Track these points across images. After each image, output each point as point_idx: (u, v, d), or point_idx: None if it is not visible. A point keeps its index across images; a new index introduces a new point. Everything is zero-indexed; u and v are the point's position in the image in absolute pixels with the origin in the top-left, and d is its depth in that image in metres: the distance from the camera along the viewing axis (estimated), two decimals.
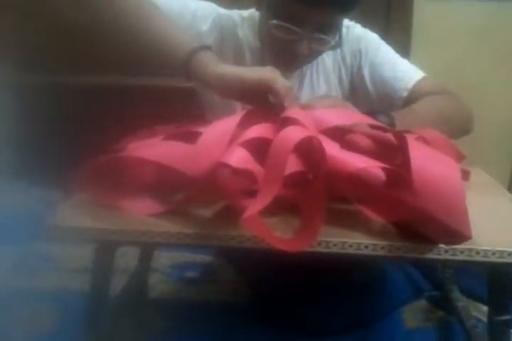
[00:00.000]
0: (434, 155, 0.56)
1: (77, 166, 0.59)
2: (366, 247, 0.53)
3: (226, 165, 0.52)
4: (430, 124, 0.76)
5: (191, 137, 0.60)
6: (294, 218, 0.56)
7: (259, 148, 0.58)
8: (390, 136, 0.65)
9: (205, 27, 0.88)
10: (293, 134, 0.51)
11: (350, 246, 0.53)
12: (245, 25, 0.91)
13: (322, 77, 0.95)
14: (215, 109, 0.97)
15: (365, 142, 0.65)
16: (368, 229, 0.56)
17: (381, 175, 0.55)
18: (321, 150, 0.52)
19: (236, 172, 0.53)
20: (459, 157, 0.75)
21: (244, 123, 0.60)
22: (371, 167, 0.54)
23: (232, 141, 0.57)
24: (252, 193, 0.54)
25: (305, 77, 0.95)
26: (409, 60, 0.97)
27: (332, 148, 0.54)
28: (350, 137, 0.65)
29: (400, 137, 0.60)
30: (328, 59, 0.95)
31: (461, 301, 1.06)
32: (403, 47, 1.54)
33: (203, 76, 0.68)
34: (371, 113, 0.70)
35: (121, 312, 0.89)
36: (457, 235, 0.51)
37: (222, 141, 0.56)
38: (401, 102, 0.92)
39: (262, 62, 0.91)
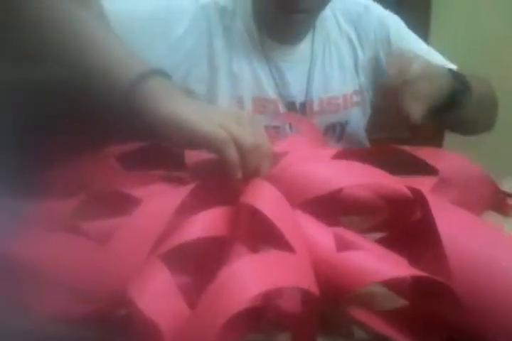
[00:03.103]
0: (481, 233, 0.37)
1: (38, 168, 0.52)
2: None
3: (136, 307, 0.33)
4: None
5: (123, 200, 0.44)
6: None
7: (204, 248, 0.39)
8: (401, 187, 0.45)
9: (180, 30, 0.71)
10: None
11: None
12: (237, 10, 0.75)
13: (336, 63, 0.82)
14: None
15: (364, 195, 0.46)
16: None
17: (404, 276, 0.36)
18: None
19: None
20: (499, 196, 0.55)
21: (192, 202, 0.41)
22: (397, 276, 0.35)
23: (166, 234, 0.38)
24: None
25: (316, 62, 0.80)
26: (428, 41, 0.88)
27: (328, 248, 0.37)
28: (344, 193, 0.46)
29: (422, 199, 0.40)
30: (343, 43, 0.81)
31: None
32: (421, 25, 1.34)
33: (146, 113, 0.48)
34: None
35: None
36: None
37: (144, 244, 0.36)
38: None
39: (261, 47, 0.76)
